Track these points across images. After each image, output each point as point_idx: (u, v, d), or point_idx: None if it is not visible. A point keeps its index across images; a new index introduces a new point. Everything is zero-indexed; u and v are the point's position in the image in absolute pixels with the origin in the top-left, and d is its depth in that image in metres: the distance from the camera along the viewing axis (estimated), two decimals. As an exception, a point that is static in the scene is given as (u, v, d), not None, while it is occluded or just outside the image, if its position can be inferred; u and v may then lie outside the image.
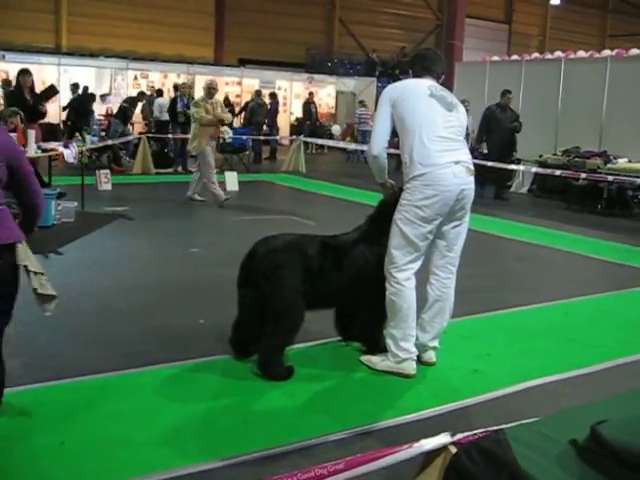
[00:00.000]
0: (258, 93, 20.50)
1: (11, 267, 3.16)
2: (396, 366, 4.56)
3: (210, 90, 11.64)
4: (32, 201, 3.43)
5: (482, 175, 14.35)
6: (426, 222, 4.41)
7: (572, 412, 1.97)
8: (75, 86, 18.49)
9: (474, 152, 13.87)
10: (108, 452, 3.44)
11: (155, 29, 27.49)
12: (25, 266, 3.19)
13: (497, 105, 14.09)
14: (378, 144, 4.60)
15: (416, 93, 4.54)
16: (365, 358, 4.77)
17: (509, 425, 1.94)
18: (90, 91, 18.81)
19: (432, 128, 4.41)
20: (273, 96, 22.03)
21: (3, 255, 3.11)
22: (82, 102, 17.25)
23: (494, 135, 13.94)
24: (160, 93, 19.34)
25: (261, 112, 19.62)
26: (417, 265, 4.56)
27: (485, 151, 14.05)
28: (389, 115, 4.55)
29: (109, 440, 3.53)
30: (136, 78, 24.79)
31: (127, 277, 6.59)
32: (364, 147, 14.96)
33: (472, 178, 4.54)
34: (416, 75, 4.74)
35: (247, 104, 20.56)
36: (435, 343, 4.78)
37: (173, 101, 17.06)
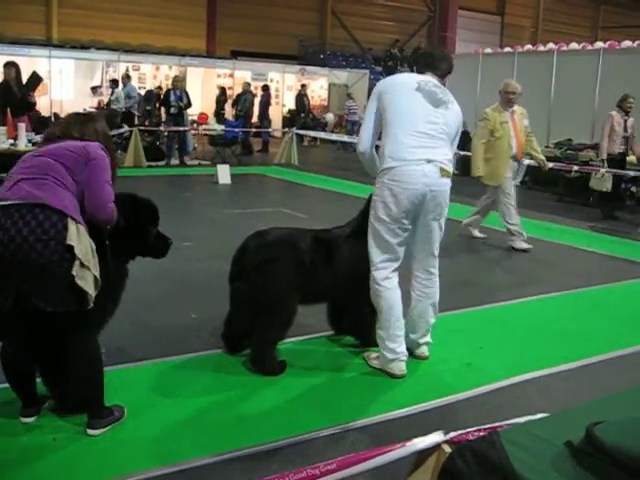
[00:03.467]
0: (248, 85, 20.48)
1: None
2: (385, 365, 4.51)
3: (507, 96, 8.32)
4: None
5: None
6: (393, 219, 4.30)
7: (567, 413, 1.95)
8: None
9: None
10: (100, 448, 3.42)
11: (146, 21, 27.42)
12: (72, 247, 3.21)
13: None
14: (364, 141, 4.53)
15: (402, 86, 4.44)
16: (366, 354, 4.74)
17: (503, 423, 1.93)
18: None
19: (411, 122, 4.28)
20: (265, 88, 21.98)
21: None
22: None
23: None
24: (116, 83, 19.36)
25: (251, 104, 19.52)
26: (394, 264, 4.44)
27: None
28: (375, 110, 4.46)
29: (101, 436, 3.51)
30: (128, 70, 24.64)
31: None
32: (355, 139, 14.83)
33: (446, 180, 4.34)
34: (419, 71, 4.64)
35: (239, 96, 20.51)
36: (426, 339, 4.75)
37: (166, 93, 17.03)
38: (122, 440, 3.50)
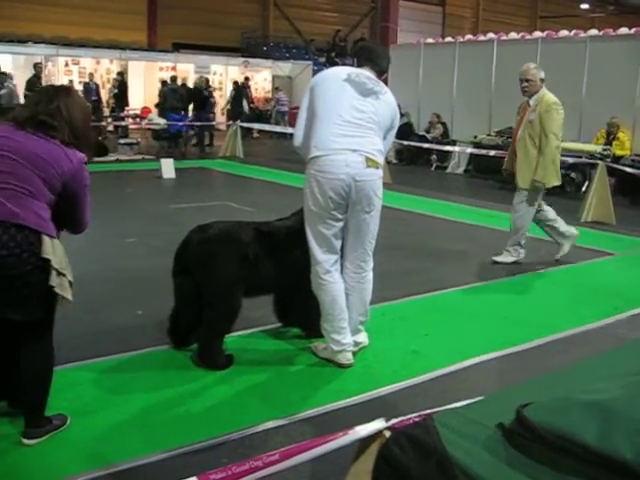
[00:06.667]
0: (173, 79, 20.17)
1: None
2: (332, 356, 4.53)
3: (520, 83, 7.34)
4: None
5: None
6: (323, 210, 4.25)
7: (500, 396, 2.00)
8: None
9: None
10: (48, 449, 3.38)
11: (86, 14, 26.91)
12: (49, 260, 3.22)
13: None
14: (298, 136, 4.50)
15: (332, 77, 4.42)
16: (313, 345, 4.75)
17: (443, 408, 1.97)
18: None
19: (337, 111, 4.23)
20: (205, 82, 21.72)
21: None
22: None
23: None
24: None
25: (175, 97, 19.13)
26: (333, 257, 4.40)
27: None
28: (308, 105, 4.42)
29: (49, 437, 3.46)
30: (67, 65, 24.15)
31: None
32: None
33: (374, 170, 4.26)
34: (359, 65, 4.61)
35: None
36: (355, 338, 4.62)
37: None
38: (69, 441, 3.47)
